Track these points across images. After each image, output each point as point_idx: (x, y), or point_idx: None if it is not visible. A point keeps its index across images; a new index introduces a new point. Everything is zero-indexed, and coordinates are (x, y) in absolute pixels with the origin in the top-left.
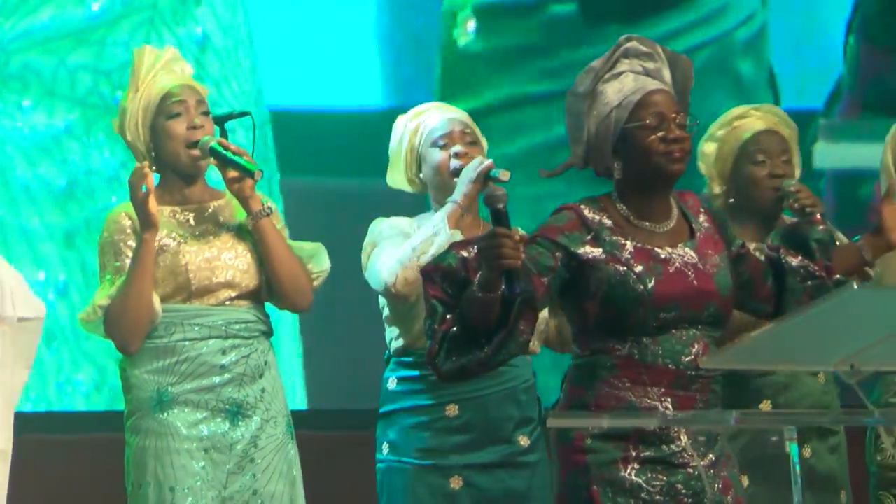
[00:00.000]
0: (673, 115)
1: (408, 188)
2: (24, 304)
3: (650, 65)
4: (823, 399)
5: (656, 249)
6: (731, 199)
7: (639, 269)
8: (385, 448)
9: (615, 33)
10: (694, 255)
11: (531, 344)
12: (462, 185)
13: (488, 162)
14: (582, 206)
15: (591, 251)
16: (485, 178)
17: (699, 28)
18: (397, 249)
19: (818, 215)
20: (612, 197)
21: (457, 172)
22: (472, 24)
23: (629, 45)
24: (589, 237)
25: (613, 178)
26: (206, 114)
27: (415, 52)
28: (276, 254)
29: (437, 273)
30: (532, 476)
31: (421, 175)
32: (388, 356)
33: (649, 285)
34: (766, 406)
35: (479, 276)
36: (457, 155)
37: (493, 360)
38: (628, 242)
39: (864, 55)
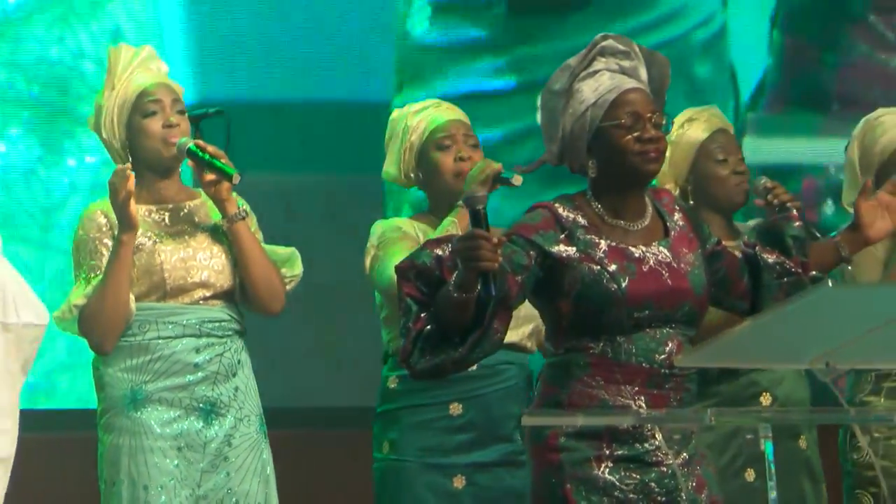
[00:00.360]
0: (648, 115)
1: (402, 182)
2: (27, 309)
3: (626, 63)
4: (797, 395)
5: (630, 248)
6: (691, 202)
7: (612, 268)
8: (385, 447)
9: (571, 31)
10: (668, 254)
11: (529, 343)
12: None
13: (497, 165)
14: (556, 205)
15: (565, 250)
16: (493, 181)
17: (657, 29)
18: (404, 253)
19: (795, 211)
20: (587, 195)
21: (459, 175)
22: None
23: (605, 43)
24: (563, 236)
25: (588, 176)
26: (182, 112)
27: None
28: (250, 257)
29: (412, 271)
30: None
31: (420, 173)
32: (386, 355)
33: (623, 284)
34: (766, 399)
35: (455, 276)
36: (461, 159)
37: (468, 359)
38: (602, 241)
39: (788, 49)
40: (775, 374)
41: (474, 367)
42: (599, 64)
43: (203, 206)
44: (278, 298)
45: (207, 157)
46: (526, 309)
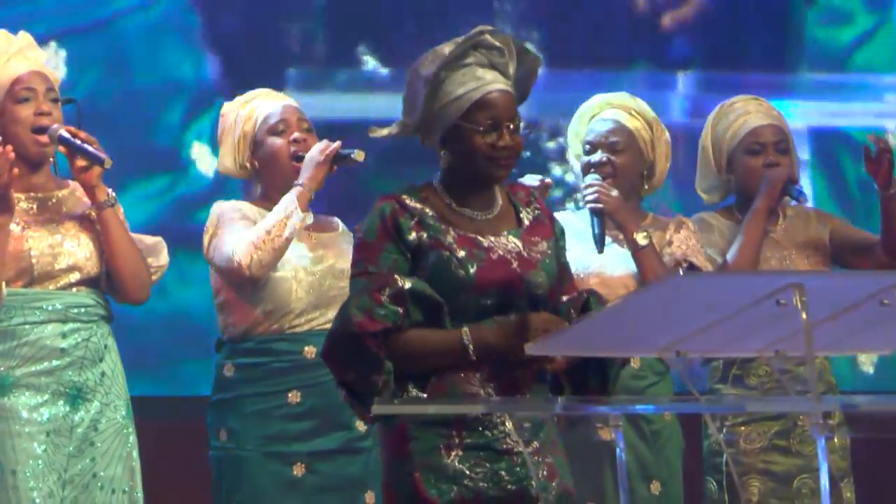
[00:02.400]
0: (507, 122)
1: (236, 173)
2: None
3: (498, 59)
4: (632, 384)
5: (479, 238)
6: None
7: (461, 254)
8: (223, 435)
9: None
10: (518, 243)
11: None
12: (307, 169)
13: (336, 144)
14: (402, 196)
15: (418, 234)
16: (333, 160)
17: None
18: (246, 232)
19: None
20: (434, 184)
21: (297, 158)
22: None
23: (482, 37)
24: (413, 222)
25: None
26: (56, 101)
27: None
28: (118, 245)
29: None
30: (367, 461)
31: (255, 162)
32: (221, 342)
33: (471, 271)
34: None
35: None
36: (295, 141)
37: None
38: (451, 229)
39: None
40: None
41: (312, 356)
42: (471, 57)
43: (72, 196)
44: (144, 287)
45: (79, 142)
46: None
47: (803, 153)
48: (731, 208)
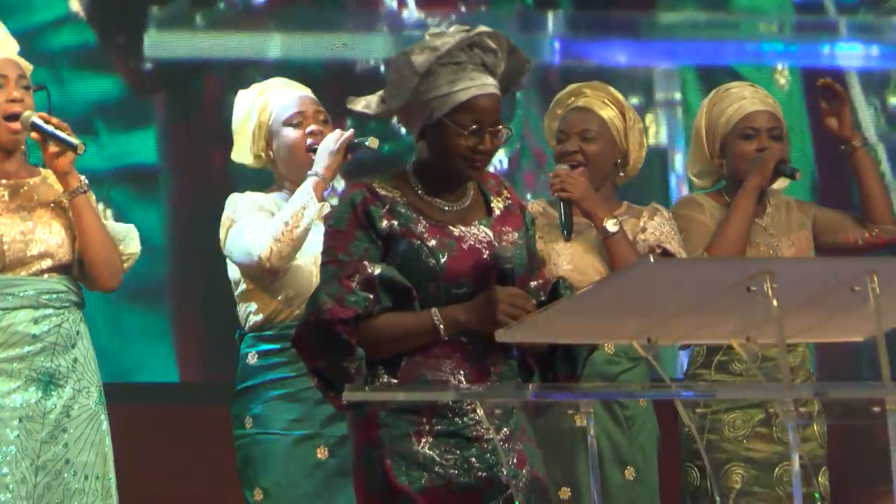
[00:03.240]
0: (490, 127)
1: (252, 163)
2: None
3: (490, 59)
4: (606, 369)
5: (450, 227)
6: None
7: (432, 243)
8: (249, 422)
9: None
10: (489, 233)
11: None
12: (322, 159)
13: (349, 133)
14: (373, 184)
15: (389, 223)
16: (347, 148)
17: None
18: (265, 224)
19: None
20: (407, 171)
21: (313, 150)
22: None
23: (479, 38)
24: (384, 210)
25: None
26: (28, 88)
27: None
28: (90, 232)
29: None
30: None
31: (270, 152)
32: (243, 332)
33: (442, 260)
34: None
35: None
36: (312, 133)
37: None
38: (422, 218)
39: None
40: None
41: None
42: (465, 55)
43: (44, 183)
44: (116, 274)
45: (51, 128)
46: None
47: (676, 93)
48: (721, 192)
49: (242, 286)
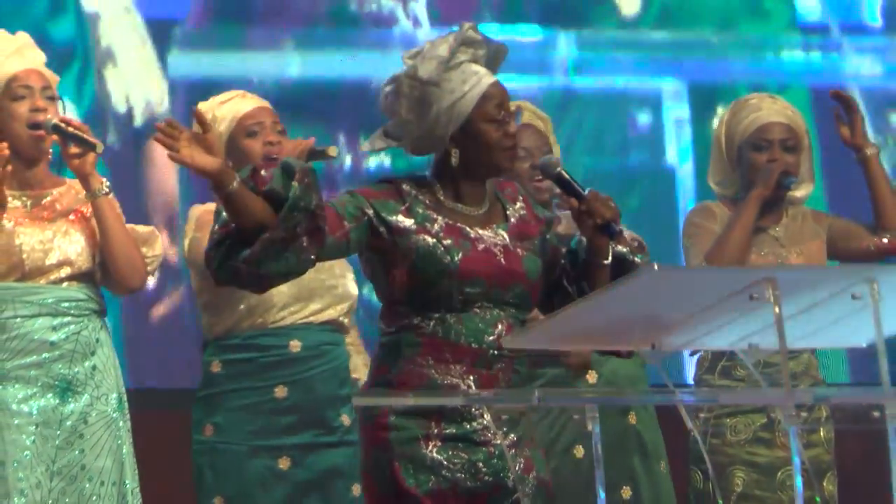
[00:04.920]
0: (507, 112)
1: None
2: None
3: (480, 52)
4: (637, 371)
5: (467, 228)
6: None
7: (447, 241)
8: (208, 430)
9: None
10: (505, 237)
11: (346, 321)
12: None
13: (310, 140)
14: (400, 181)
15: (403, 220)
16: (307, 157)
17: None
18: None
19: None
20: (429, 178)
21: (270, 159)
22: None
23: (468, 34)
24: (403, 207)
25: (433, 160)
26: (52, 98)
27: None
28: (112, 232)
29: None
30: (353, 454)
31: (229, 162)
32: (206, 340)
33: (456, 258)
34: (591, 377)
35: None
36: (269, 143)
37: (265, 263)
38: (440, 218)
39: None
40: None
41: (298, 349)
42: (462, 55)
43: (68, 193)
44: (139, 275)
45: (71, 130)
46: (342, 287)
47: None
48: (737, 201)
49: (205, 295)
